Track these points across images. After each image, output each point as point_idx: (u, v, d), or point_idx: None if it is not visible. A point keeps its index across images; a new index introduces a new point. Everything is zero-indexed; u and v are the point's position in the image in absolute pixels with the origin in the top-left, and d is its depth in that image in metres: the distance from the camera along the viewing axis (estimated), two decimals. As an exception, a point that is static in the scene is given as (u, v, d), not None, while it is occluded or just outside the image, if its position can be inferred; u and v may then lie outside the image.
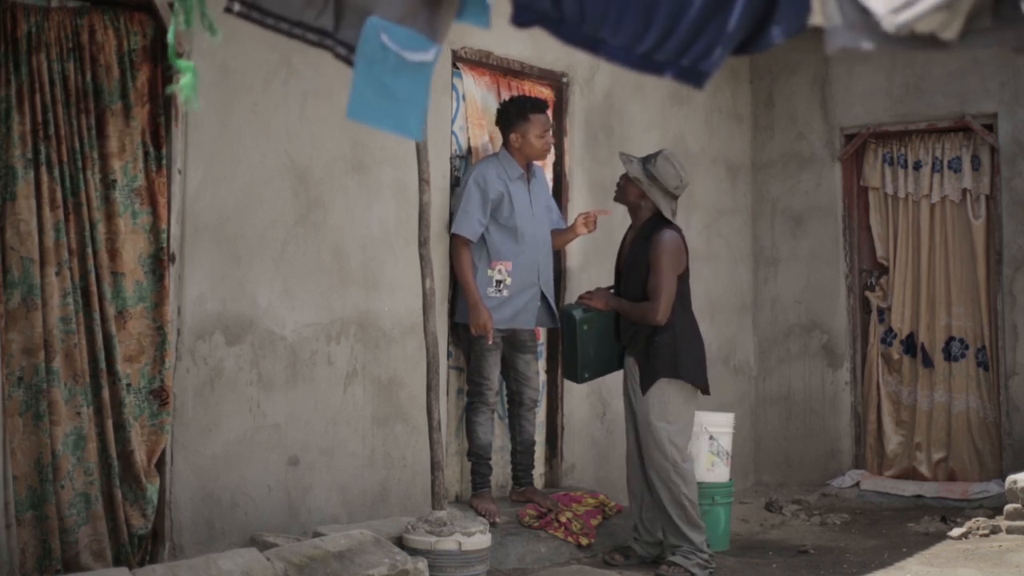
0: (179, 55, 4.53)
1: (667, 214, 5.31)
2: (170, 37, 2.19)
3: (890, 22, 1.61)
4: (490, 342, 5.44)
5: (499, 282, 5.53)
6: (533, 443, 5.79)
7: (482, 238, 5.54)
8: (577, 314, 5.41)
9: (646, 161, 5.34)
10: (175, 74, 4.53)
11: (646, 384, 5.24)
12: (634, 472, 5.42)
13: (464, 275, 5.46)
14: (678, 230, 5.35)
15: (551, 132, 5.77)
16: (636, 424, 5.34)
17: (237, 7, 2.38)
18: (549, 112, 5.92)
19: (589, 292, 5.53)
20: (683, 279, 5.35)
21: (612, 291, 5.53)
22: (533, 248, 5.61)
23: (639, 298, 5.29)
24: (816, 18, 1.72)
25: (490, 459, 5.59)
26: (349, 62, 2.28)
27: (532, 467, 5.80)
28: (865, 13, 1.64)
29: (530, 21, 2.28)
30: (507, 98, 5.87)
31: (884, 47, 1.65)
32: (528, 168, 5.69)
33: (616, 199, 5.55)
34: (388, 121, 2.11)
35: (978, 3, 1.59)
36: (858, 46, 1.69)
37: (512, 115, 5.63)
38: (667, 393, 5.22)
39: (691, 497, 5.23)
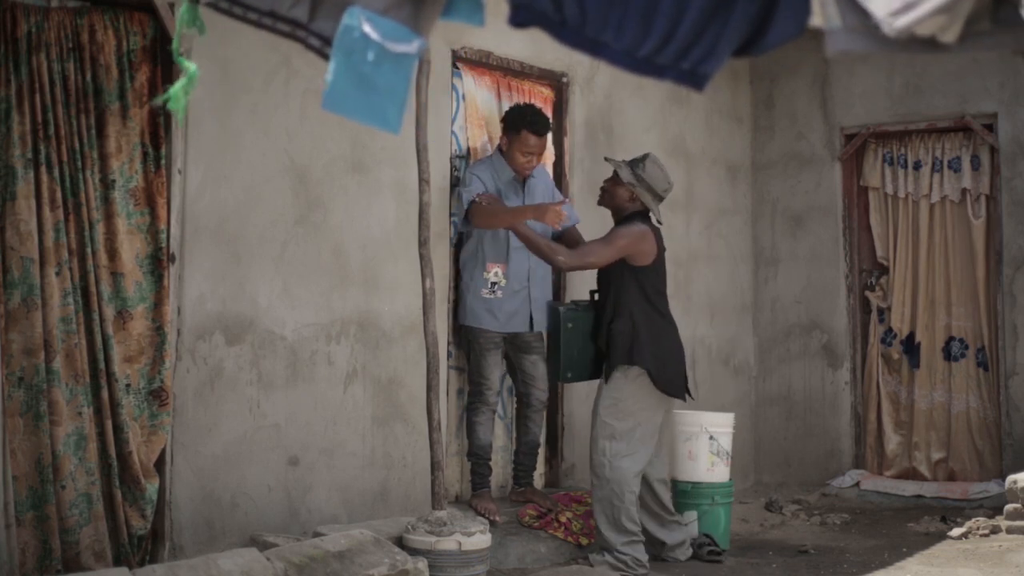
0: (180, 54, 4.55)
1: (656, 215, 5.38)
2: (176, 36, 2.18)
3: (889, 26, 1.61)
4: (561, 221, 5.37)
5: (494, 284, 5.54)
6: (538, 445, 5.79)
7: (476, 240, 5.56)
8: (562, 311, 5.42)
9: (634, 165, 5.39)
10: (177, 75, 4.56)
11: (607, 372, 5.28)
12: None
13: (502, 211, 5.40)
14: (654, 230, 5.38)
15: (539, 154, 5.67)
16: None
17: None
18: (549, 112, 5.91)
19: (487, 197, 5.42)
20: (647, 273, 5.33)
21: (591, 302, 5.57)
22: (523, 251, 5.56)
23: (607, 289, 5.36)
24: (816, 19, 1.72)
25: (490, 459, 5.59)
26: (323, 54, 2.25)
27: (534, 468, 5.81)
28: (865, 16, 1.64)
29: (528, 22, 2.27)
30: (522, 104, 5.81)
31: (884, 50, 1.66)
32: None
33: (600, 203, 5.57)
34: (365, 112, 2.08)
35: (978, 7, 1.59)
36: (858, 49, 1.69)
37: (509, 121, 5.61)
38: (622, 388, 5.23)
39: (623, 497, 5.16)
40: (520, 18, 2.26)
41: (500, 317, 5.55)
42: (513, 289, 5.58)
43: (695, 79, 2.18)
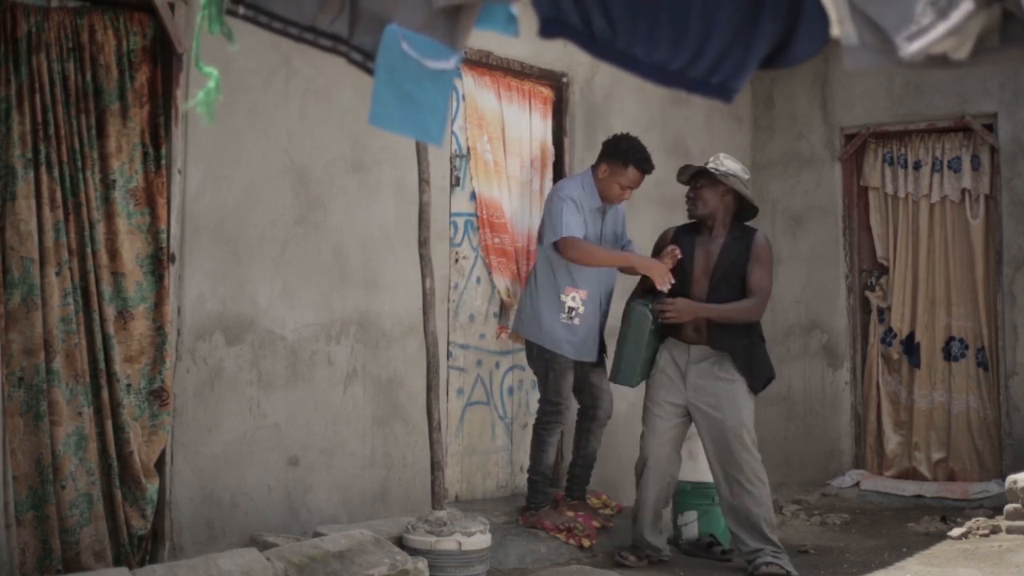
0: (179, 54, 4.54)
1: (753, 201, 5.32)
2: (195, 41, 2.19)
3: (905, 48, 1.64)
4: (667, 287, 5.20)
5: (571, 309, 5.35)
6: (594, 459, 5.64)
7: (552, 262, 5.38)
8: (651, 312, 5.21)
9: (708, 164, 5.29)
10: (176, 75, 4.56)
11: (756, 386, 5.20)
12: (662, 475, 5.32)
13: (602, 253, 5.33)
14: None
15: (634, 190, 5.54)
16: (707, 426, 5.21)
17: (242, 10, 2.38)
18: (549, 113, 5.89)
19: (670, 302, 5.19)
20: None
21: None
22: (598, 281, 5.45)
23: (735, 299, 5.19)
24: (834, 31, 1.75)
25: (551, 478, 5.60)
26: (365, 68, 2.28)
27: (588, 482, 5.69)
28: (882, 37, 1.67)
29: (557, 35, 2.30)
30: (630, 135, 5.56)
31: (899, 66, 1.69)
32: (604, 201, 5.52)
33: (693, 215, 5.33)
34: (410, 127, 2.13)
35: (987, 25, 1.62)
36: (875, 65, 1.73)
37: (615, 151, 5.43)
38: (752, 402, 5.23)
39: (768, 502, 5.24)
40: (549, 31, 2.29)
41: (576, 344, 5.41)
42: (586, 315, 5.41)
43: (724, 93, 2.22)
